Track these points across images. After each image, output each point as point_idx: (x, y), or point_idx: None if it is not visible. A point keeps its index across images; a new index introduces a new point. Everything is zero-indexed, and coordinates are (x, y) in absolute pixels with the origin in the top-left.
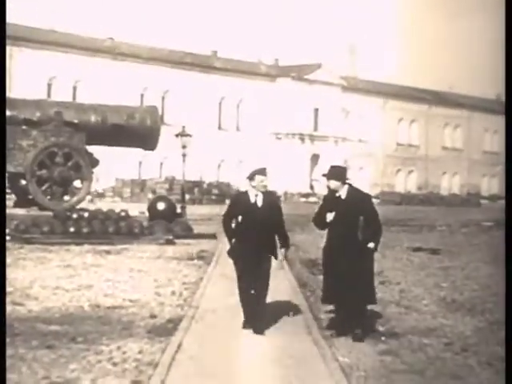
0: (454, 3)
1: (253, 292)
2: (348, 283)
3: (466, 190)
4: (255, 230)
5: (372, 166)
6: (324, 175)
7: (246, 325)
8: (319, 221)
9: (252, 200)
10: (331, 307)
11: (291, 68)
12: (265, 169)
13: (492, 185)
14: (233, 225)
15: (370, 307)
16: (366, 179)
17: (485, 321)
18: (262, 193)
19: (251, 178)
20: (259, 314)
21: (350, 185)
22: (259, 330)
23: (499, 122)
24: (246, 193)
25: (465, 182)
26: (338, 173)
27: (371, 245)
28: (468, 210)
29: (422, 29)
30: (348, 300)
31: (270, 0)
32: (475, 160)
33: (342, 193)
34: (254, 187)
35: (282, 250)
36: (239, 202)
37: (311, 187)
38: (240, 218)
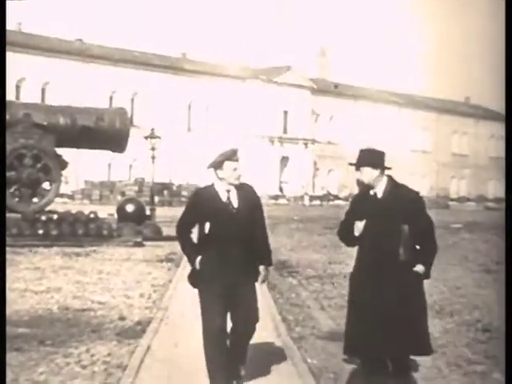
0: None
1: (228, 340)
2: (383, 325)
3: (435, 193)
4: (232, 243)
5: (340, 168)
6: (352, 164)
7: None
8: (346, 233)
9: (223, 198)
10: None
11: (261, 70)
12: (236, 150)
13: (461, 187)
14: (194, 236)
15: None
16: (335, 181)
17: (453, 322)
18: (236, 187)
19: (218, 166)
20: (236, 372)
21: (390, 177)
22: None
23: (468, 124)
24: (212, 188)
25: (434, 185)
26: (372, 157)
27: (419, 268)
28: (437, 212)
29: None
30: (382, 350)
31: (239, 3)
32: (444, 162)
33: (379, 189)
34: (222, 179)
35: (262, 268)
36: (204, 202)
37: (280, 189)
38: (208, 225)
